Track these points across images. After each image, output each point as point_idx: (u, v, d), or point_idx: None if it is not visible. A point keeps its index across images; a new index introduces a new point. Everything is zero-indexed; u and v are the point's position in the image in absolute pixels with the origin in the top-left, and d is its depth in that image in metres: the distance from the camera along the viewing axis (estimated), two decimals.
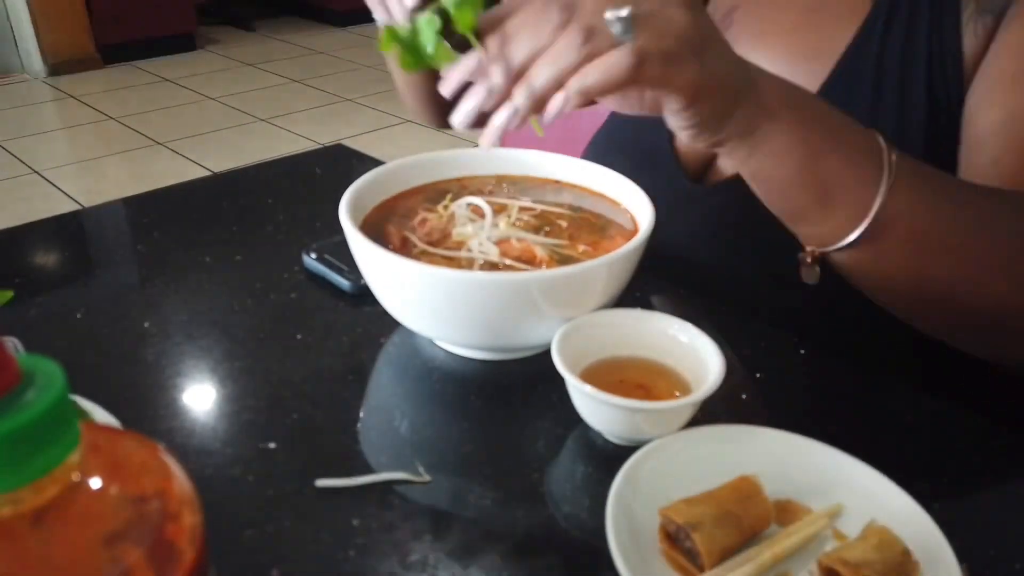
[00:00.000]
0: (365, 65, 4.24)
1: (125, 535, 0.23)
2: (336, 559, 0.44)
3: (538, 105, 0.47)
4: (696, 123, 0.51)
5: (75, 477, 0.23)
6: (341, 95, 3.81)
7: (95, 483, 0.23)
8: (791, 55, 0.72)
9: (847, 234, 0.54)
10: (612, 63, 0.45)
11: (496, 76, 0.48)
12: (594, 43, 0.45)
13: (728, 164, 0.75)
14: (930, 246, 0.55)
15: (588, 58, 0.45)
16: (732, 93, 0.50)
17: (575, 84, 0.45)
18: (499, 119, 0.48)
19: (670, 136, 0.77)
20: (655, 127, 0.77)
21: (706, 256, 0.73)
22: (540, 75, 0.46)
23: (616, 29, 0.44)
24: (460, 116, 0.50)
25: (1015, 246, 0.56)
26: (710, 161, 0.77)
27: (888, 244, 0.54)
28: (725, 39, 0.50)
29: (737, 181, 0.71)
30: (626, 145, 0.81)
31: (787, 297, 0.66)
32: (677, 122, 0.51)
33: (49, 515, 0.22)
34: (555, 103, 0.46)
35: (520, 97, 0.47)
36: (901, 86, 0.65)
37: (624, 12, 0.44)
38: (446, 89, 0.50)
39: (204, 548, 0.25)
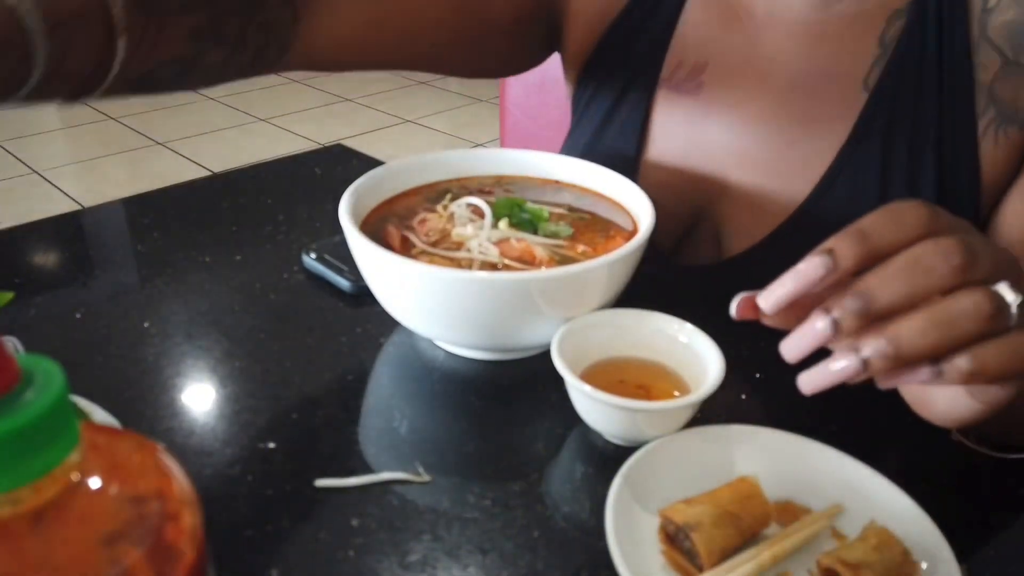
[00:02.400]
0: None
1: (125, 535, 0.23)
2: (336, 559, 0.44)
3: (890, 367, 0.36)
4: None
5: (75, 477, 0.23)
6: (341, 95, 3.81)
7: (95, 483, 0.23)
8: (784, 141, 0.66)
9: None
10: (1020, 347, 0.35)
11: (848, 312, 0.36)
12: (999, 319, 0.35)
13: (706, 241, 0.71)
14: None
15: (984, 333, 0.35)
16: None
17: (966, 365, 0.35)
18: (837, 366, 0.37)
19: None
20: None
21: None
22: (913, 335, 0.35)
23: (1014, 306, 0.35)
24: (770, 304, 0.39)
25: None
26: (683, 234, 0.73)
27: None
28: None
29: (718, 267, 0.69)
30: None
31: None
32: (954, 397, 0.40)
33: (49, 515, 0.22)
34: (920, 376, 0.36)
35: (871, 350, 0.36)
36: (911, 175, 0.62)
37: (1016, 294, 0.35)
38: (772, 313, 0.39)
39: (204, 548, 0.25)
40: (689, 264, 0.73)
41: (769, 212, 0.67)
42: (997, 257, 0.36)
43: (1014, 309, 0.35)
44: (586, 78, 0.77)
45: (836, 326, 0.36)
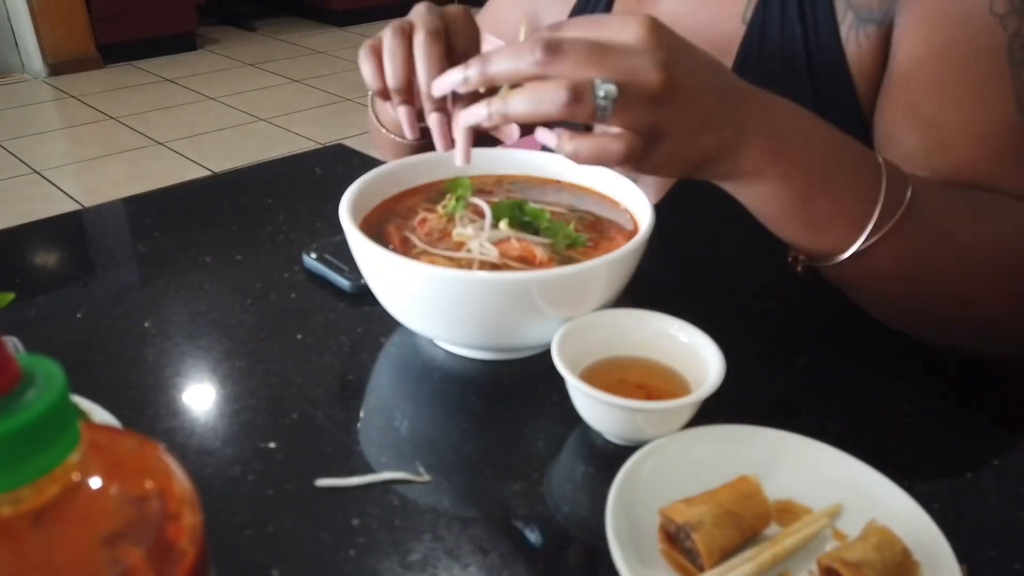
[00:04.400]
0: None
1: (125, 535, 0.23)
2: (336, 559, 0.44)
3: (502, 122, 0.50)
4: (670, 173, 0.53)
5: (75, 477, 0.23)
6: (341, 95, 3.81)
7: (95, 483, 0.23)
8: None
9: (834, 256, 0.55)
10: (604, 149, 0.48)
11: (472, 73, 0.50)
12: (578, 107, 0.46)
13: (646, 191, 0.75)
14: (921, 267, 0.55)
15: (566, 116, 0.46)
16: (712, 150, 0.51)
17: (568, 147, 0.49)
18: (468, 116, 0.52)
19: None
20: None
21: (661, 273, 0.73)
22: (518, 104, 0.48)
23: (600, 100, 0.46)
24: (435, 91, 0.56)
25: (1003, 256, 0.56)
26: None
27: (876, 265, 0.55)
28: (714, 75, 0.50)
29: (658, 207, 0.72)
30: None
31: (786, 303, 0.66)
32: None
33: (49, 515, 0.22)
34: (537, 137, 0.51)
35: (495, 107, 0.50)
36: (785, 89, 0.65)
37: (611, 88, 0.45)
38: (437, 88, 0.56)
39: (204, 548, 0.25)
40: None
41: None
42: (589, 55, 0.46)
43: (603, 102, 0.45)
44: None
45: (465, 79, 0.51)
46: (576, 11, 0.82)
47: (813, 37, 0.65)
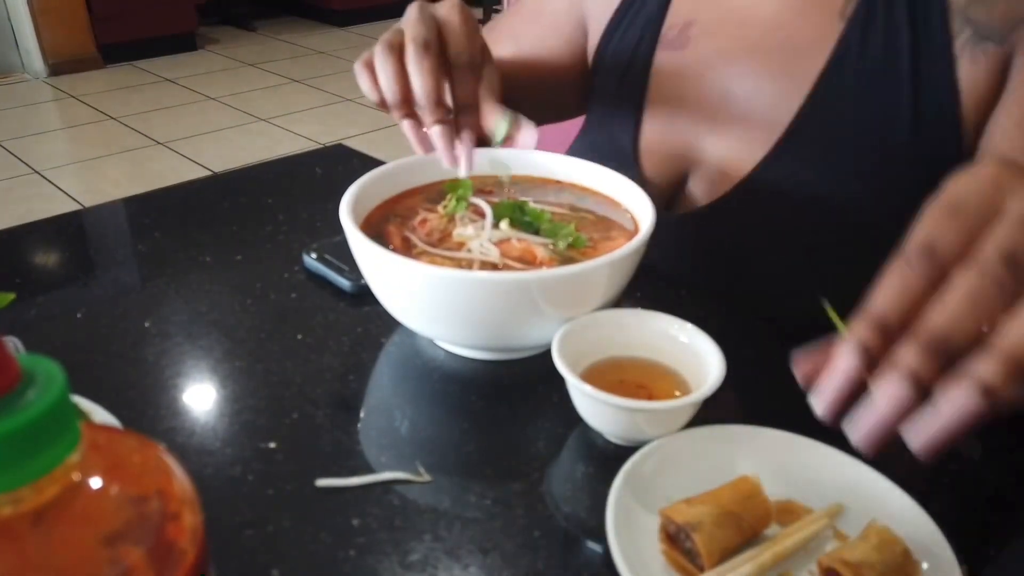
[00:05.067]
0: None
1: (125, 535, 0.23)
2: (336, 559, 0.44)
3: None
4: None
5: (75, 477, 0.23)
6: (342, 95, 3.81)
7: (95, 483, 0.23)
8: (763, 75, 0.71)
9: None
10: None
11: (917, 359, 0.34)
12: None
13: (699, 190, 0.74)
14: None
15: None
16: None
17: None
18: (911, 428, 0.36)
19: (637, 162, 0.77)
20: (621, 154, 0.77)
21: (684, 279, 0.73)
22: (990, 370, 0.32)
23: None
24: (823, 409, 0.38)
25: None
26: (679, 186, 0.76)
27: None
28: None
29: (710, 208, 0.72)
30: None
31: (779, 312, 0.66)
32: None
33: (49, 515, 0.22)
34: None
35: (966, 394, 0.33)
36: (884, 105, 0.65)
37: None
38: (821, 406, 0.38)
39: (204, 548, 0.25)
40: (684, 212, 0.75)
41: (756, 144, 0.70)
42: None
43: None
44: (598, 65, 0.84)
45: (912, 376, 0.33)
46: (623, 6, 0.81)
47: (924, 44, 0.63)
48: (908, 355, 0.33)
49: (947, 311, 0.33)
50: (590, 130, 0.84)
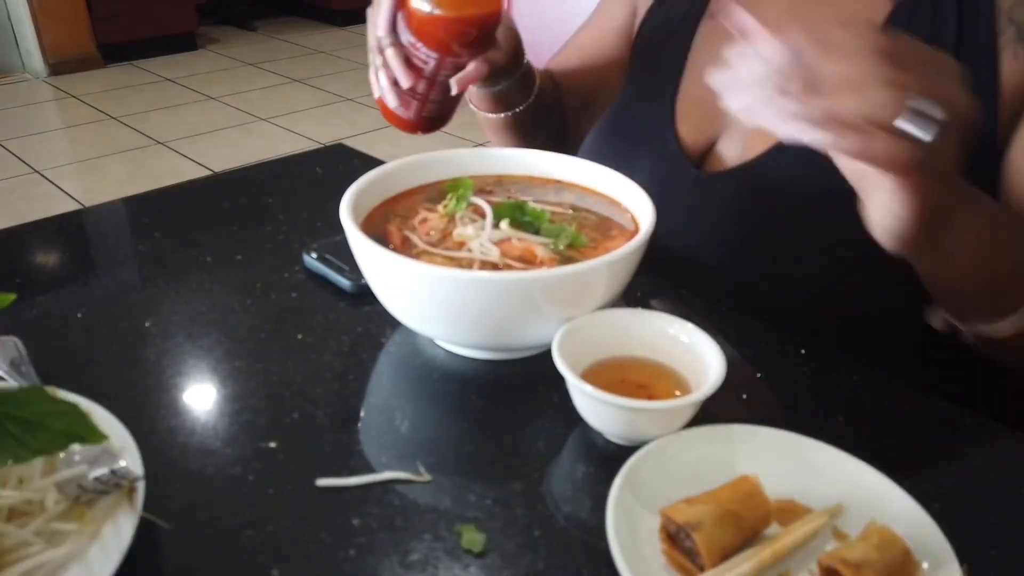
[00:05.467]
0: (366, 64, 4.22)
1: None
2: (336, 559, 0.44)
3: (821, 126, 0.42)
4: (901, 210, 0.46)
5: None
6: (342, 95, 3.81)
7: None
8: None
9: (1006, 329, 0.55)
10: (895, 153, 0.42)
11: (794, 84, 0.43)
12: (891, 116, 0.41)
13: (729, 152, 0.74)
14: None
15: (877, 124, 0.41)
16: (943, 192, 0.47)
17: (855, 145, 0.42)
18: (807, 134, 0.43)
19: (673, 121, 0.77)
20: (659, 112, 0.78)
21: (703, 247, 0.73)
22: (849, 107, 0.42)
23: (918, 123, 0.41)
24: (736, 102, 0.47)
25: None
26: (709, 149, 0.77)
27: None
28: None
29: (739, 170, 0.71)
30: (628, 128, 0.82)
31: (787, 296, 0.66)
32: (883, 201, 0.47)
33: None
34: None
35: (816, 111, 0.42)
36: None
37: (938, 114, 0.41)
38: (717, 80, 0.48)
39: None
40: (714, 171, 0.75)
41: None
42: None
43: (923, 123, 0.41)
44: (642, 34, 0.87)
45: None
46: None
47: (969, 37, 0.64)
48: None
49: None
50: (628, 92, 0.86)
